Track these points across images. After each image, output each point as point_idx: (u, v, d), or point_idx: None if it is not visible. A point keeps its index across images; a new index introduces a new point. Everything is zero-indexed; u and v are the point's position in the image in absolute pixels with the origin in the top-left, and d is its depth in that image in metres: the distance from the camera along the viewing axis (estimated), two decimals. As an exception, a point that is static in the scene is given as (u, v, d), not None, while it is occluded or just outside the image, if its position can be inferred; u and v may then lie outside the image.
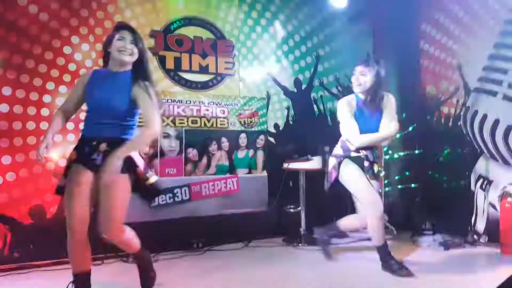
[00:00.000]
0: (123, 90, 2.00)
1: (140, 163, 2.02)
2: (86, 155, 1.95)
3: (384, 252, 2.55)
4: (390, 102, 2.61)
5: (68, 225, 1.93)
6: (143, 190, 2.03)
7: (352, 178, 2.56)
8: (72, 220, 1.91)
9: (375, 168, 2.61)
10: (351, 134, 2.54)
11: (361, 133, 2.51)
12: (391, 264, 2.50)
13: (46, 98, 3.00)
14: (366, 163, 2.54)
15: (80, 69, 3.11)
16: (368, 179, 2.54)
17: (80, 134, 2.06)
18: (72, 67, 3.09)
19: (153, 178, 2.04)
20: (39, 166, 2.94)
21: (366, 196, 2.50)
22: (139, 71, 2.04)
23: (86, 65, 3.13)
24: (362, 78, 2.54)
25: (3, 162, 2.84)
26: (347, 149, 2.59)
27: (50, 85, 3.02)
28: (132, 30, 2.03)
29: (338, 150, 2.66)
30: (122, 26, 2.05)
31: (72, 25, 3.08)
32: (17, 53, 2.89)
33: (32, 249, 2.86)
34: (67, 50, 3.06)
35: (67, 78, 3.07)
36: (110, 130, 1.98)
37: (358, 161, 2.56)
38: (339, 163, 2.58)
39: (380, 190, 2.66)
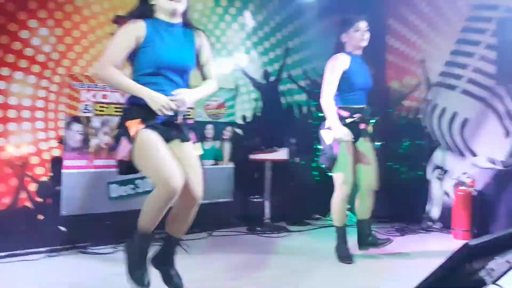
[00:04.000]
0: (189, 45, 1.83)
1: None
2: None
3: (339, 234, 2.57)
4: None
5: None
6: None
7: (343, 157, 2.44)
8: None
9: (369, 128, 2.57)
10: (327, 94, 2.44)
11: (361, 88, 2.48)
12: (340, 248, 2.55)
13: (0, 85, 2.87)
14: (362, 126, 2.48)
15: (37, 54, 2.99)
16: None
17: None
18: (29, 52, 2.96)
19: None
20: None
21: (343, 177, 2.45)
22: (190, 20, 1.86)
23: (44, 50, 3.01)
24: (366, 34, 2.49)
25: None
26: (341, 118, 2.45)
27: (4, 71, 2.89)
28: None
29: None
30: None
31: (30, 8, 2.93)
32: (-32, 36, 2.75)
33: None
34: (24, 34, 2.93)
35: (23, 64, 2.94)
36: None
37: (353, 127, 2.46)
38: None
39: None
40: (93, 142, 3.13)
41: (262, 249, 3.00)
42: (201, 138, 3.65)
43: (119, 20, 3.23)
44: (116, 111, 3.26)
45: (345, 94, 2.47)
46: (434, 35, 3.71)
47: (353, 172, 2.47)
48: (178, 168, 1.69)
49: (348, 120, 2.45)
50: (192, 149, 1.86)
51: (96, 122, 3.14)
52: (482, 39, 3.36)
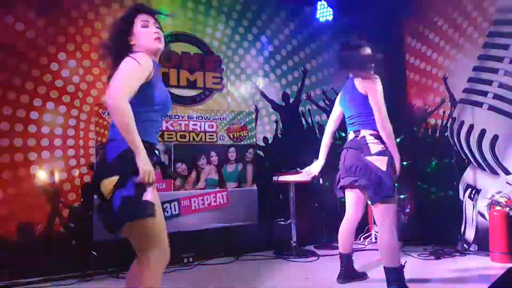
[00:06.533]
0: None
1: None
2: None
3: (398, 276, 2.17)
4: None
5: None
6: None
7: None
8: None
9: None
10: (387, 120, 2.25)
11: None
12: None
13: (33, 115, 3.00)
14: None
15: (67, 85, 3.12)
16: None
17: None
18: (59, 83, 3.09)
19: None
20: (26, 183, 2.91)
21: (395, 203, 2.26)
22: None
23: (73, 81, 3.14)
24: None
25: (-10, 180, 2.80)
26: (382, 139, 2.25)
27: (37, 102, 3.02)
28: (151, 12, 1.66)
29: (376, 143, 2.26)
30: (140, 9, 1.66)
31: (59, 42, 3.10)
32: (4, 71, 2.90)
33: (20, 266, 2.79)
34: (54, 67, 3.08)
35: (54, 94, 3.08)
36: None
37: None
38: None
39: None
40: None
41: (291, 274, 2.92)
42: (225, 160, 3.67)
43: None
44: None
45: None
46: (455, 52, 3.68)
47: None
48: None
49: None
50: None
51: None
52: (505, 55, 3.29)
